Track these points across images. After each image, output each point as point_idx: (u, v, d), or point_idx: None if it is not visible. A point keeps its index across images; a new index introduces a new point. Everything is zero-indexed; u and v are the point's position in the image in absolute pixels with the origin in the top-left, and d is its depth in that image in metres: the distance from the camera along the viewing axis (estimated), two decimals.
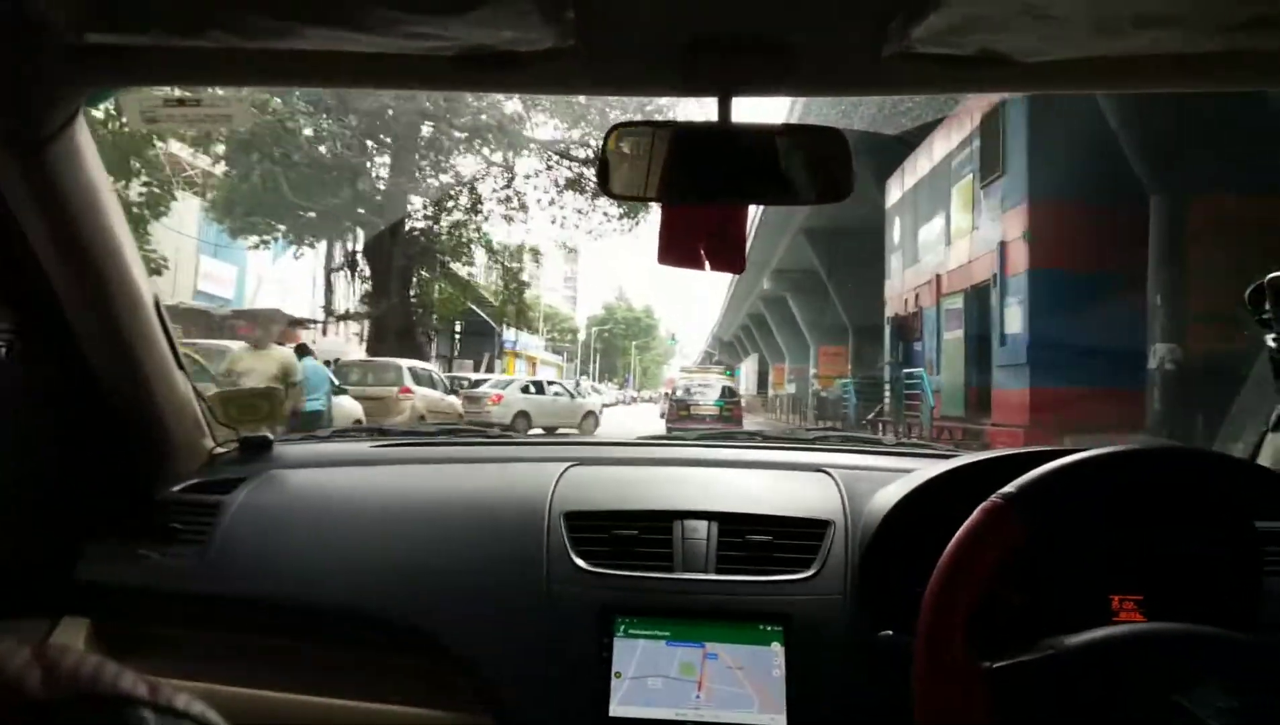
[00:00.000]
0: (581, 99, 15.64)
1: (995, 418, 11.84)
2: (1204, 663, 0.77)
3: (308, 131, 16.70)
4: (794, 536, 1.19)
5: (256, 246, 18.49)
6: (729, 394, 16.29)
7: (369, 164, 18.24)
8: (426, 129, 18.00)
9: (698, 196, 0.98)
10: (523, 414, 16.17)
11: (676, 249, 0.98)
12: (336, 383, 9.43)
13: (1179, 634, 0.80)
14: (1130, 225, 9.70)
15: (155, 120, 1.37)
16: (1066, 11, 0.78)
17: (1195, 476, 0.93)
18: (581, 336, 68.79)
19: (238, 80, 1.12)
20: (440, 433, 1.86)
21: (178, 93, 1.30)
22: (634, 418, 29.82)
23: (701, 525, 1.20)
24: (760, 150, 0.95)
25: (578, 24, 0.82)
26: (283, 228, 18.25)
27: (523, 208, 19.44)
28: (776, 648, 1.08)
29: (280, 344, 7.33)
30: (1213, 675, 0.75)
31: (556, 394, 18.34)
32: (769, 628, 1.09)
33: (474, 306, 25.31)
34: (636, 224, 19.51)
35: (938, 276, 14.69)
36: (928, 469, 1.16)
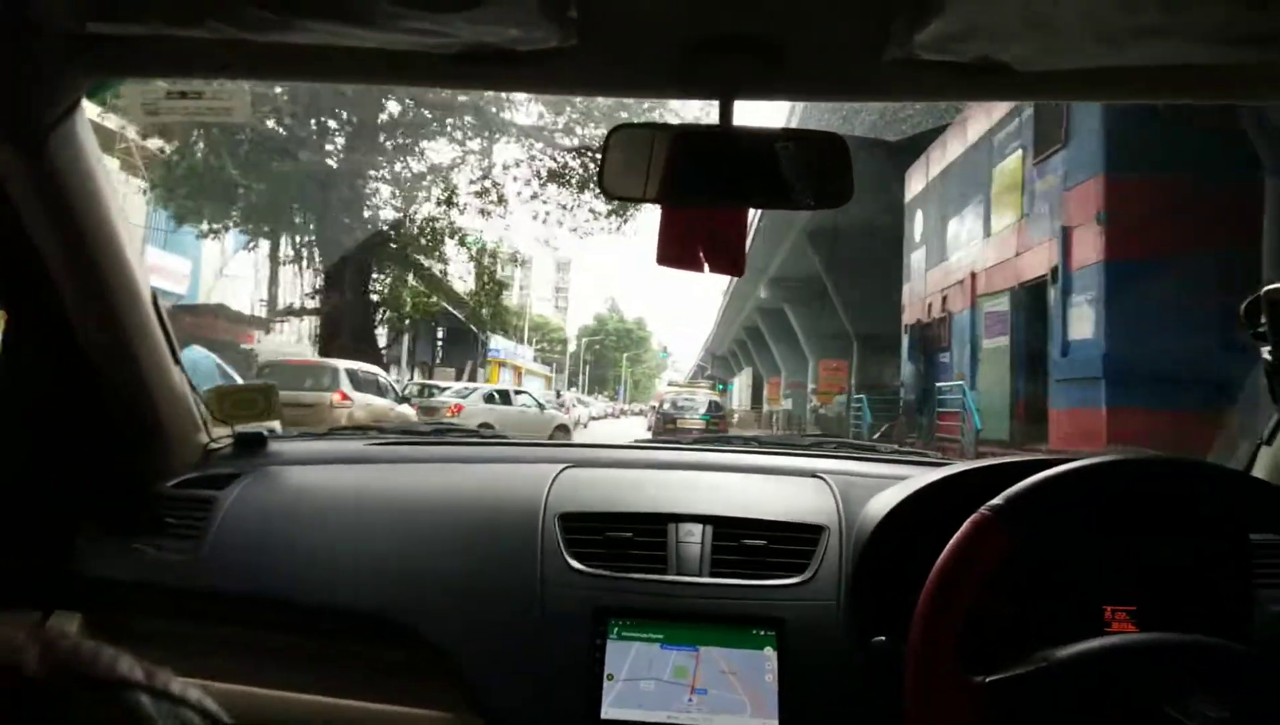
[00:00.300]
0: None
1: (1055, 442, 9.72)
2: (1198, 673, 0.79)
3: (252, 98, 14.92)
4: (788, 541, 1.19)
5: (206, 235, 17.06)
6: (715, 408, 16.55)
7: (324, 141, 16.70)
8: (393, 105, 16.87)
9: (697, 199, 0.99)
10: (486, 426, 14.46)
11: (676, 250, 1.00)
12: (237, 379, 8.49)
13: (1172, 644, 0.83)
14: (1231, 207, 7.72)
15: (156, 113, 1.16)
16: (1067, 22, 0.79)
17: (1185, 488, 0.93)
18: (571, 347, 68.31)
19: (237, 74, 1.17)
20: (436, 432, 1.87)
21: (179, 86, 0.92)
22: (621, 429, 29.78)
23: (696, 528, 1.21)
24: (760, 154, 0.96)
25: (580, 23, 0.83)
26: (234, 213, 16.57)
27: (501, 201, 18.29)
28: (769, 652, 1.08)
29: (242, 344, 6.29)
30: (1206, 686, 0.77)
31: (524, 406, 17.28)
32: (762, 632, 1.10)
33: (449, 308, 23.69)
34: (624, 221, 18.35)
35: (973, 275, 12.64)
36: (922, 476, 1.16)
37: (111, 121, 13.83)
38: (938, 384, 12.28)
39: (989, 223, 12.38)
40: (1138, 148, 8.79)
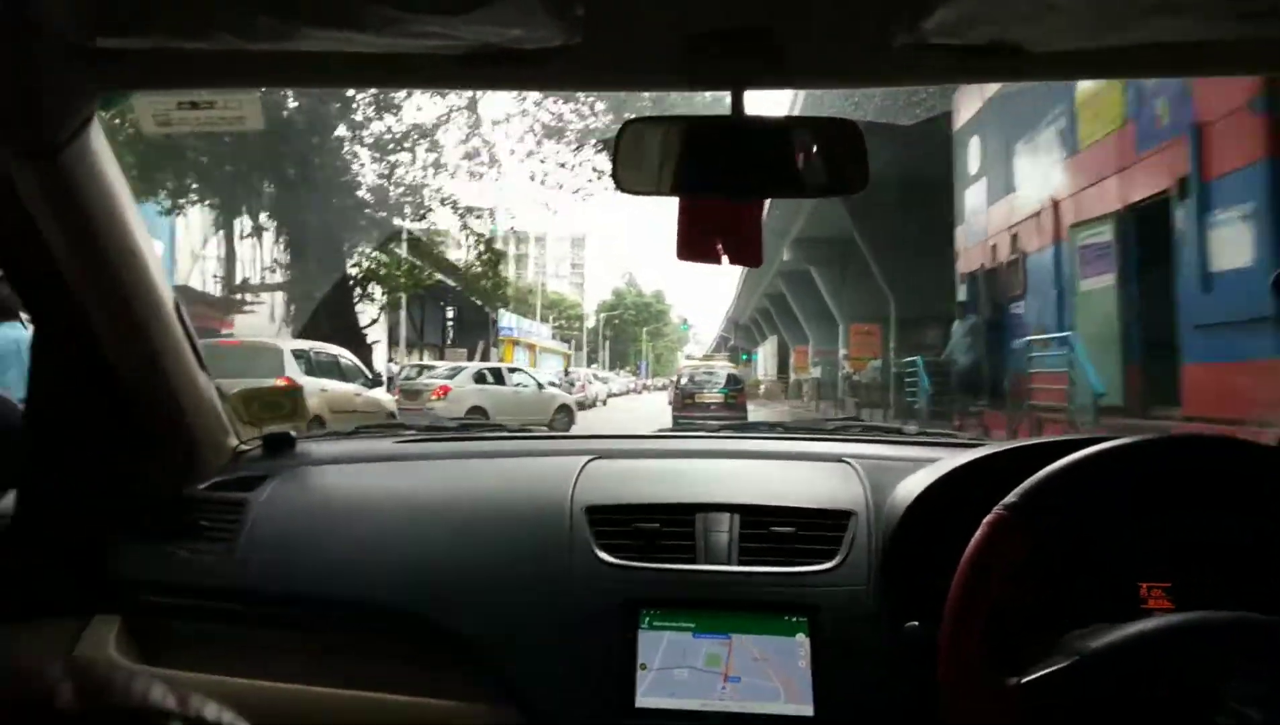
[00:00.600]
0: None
1: (1191, 406, 7.42)
2: (1240, 651, 0.76)
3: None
4: (816, 528, 1.19)
5: (169, 212, 15.05)
6: (733, 382, 16.78)
7: (283, 96, 14.63)
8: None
9: (712, 190, 0.99)
10: (477, 409, 13.09)
11: (695, 244, 1.00)
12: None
13: (1202, 623, 0.80)
14: None
15: (169, 123, 1.42)
16: (1076, 1, 0.79)
17: (1210, 465, 0.92)
18: (590, 323, 66.34)
19: (247, 81, 1.15)
20: (462, 428, 1.90)
21: (190, 96, 1.38)
22: (641, 407, 28.33)
23: (723, 517, 1.21)
24: (774, 142, 0.96)
25: (586, 20, 0.84)
26: (191, 184, 14.62)
27: (494, 161, 16.90)
28: (802, 638, 1.09)
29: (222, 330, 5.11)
30: (1251, 663, 0.75)
31: (519, 385, 15.47)
32: (794, 619, 1.10)
33: (444, 279, 21.71)
34: None
35: (1055, 203, 10.27)
36: (951, 459, 1.17)
37: None
38: (1028, 339, 9.87)
39: (1074, 137, 9.98)
40: None
